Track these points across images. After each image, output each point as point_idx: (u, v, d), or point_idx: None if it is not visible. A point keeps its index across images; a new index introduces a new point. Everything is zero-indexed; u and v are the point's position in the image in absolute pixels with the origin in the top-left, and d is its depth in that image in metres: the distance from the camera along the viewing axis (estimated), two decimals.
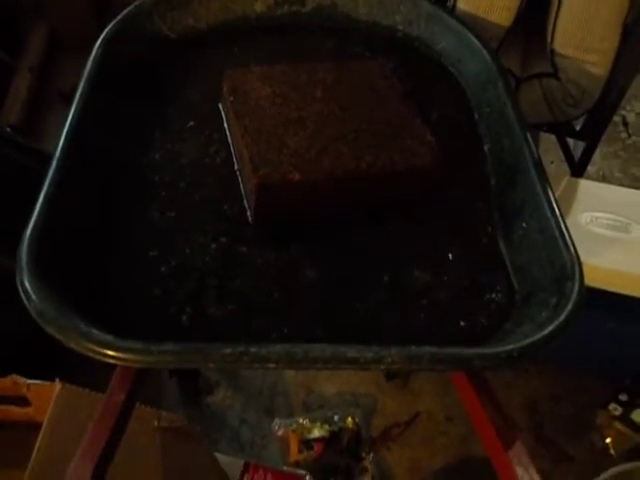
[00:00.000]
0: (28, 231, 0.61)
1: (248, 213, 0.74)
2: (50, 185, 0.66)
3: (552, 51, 1.12)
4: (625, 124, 1.98)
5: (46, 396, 0.90)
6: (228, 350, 0.54)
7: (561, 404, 1.39)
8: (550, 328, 0.59)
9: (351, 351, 0.55)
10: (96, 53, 0.84)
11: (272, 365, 0.55)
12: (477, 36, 0.93)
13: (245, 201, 0.75)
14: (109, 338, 0.55)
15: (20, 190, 0.89)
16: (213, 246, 0.71)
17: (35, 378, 0.96)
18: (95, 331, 0.55)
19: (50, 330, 0.55)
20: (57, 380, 0.90)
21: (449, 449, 1.33)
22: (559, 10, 1.07)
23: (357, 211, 0.75)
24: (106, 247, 0.69)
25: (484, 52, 0.91)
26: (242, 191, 0.76)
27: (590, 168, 1.61)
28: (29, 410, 0.98)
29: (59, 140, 0.72)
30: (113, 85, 0.84)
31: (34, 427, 0.87)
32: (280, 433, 1.32)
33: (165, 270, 0.68)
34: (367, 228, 0.74)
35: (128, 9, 0.92)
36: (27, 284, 0.57)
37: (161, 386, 1.34)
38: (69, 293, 0.60)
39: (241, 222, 0.73)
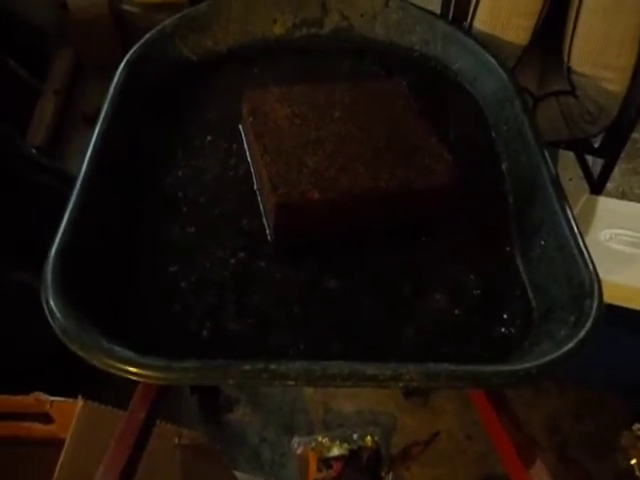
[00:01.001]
0: (53, 250, 0.63)
1: (267, 231, 0.75)
2: (74, 205, 0.68)
3: (569, 69, 1.12)
4: None
5: (69, 413, 0.91)
6: (247, 367, 0.55)
7: (583, 423, 1.37)
8: (569, 346, 0.58)
9: (369, 368, 0.55)
10: (119, 76, 0.86)
11: (291, 382, 0.55)
12: (494, 55, 0.93)
13: (264, 219, 0.76)
14: (131, 355, 0.56)
15: (45, 210, 0.91)
16: (232, 261, 0.72)
17: (57, 393, 0.97)
18: (117, 348, 0.56)
19: (73, 347, 0.56)
20: (79, 397, 0.91)
21: (469, 468, 1.32)
22: (575, 28, 1.08)
23: (375, 229, 0.75)
24: (128, 264, 0.71)
25: (500, 71, 0.91)
26: (261, 209, 0.77)
27: (609, 185, 1.60)
28: (52, 427, 0.99)
29: (83, 161, 0.73)
30: (136, 107, 0.86)
31: (57, 444, 0.88)
32: (299, 451, 1.31)
33: (185, 285, 0.69)
34: (385, 247, 0.75)
35: (150, 33, 0.94)
36: (52, 302, 0.58)
37: (181, 403, 1.35)
38: (92, 310, 0.61)
39: (260, 239, 0.74)
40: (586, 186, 1.42)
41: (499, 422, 0.65)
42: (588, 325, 0.60)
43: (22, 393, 0.96)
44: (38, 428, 1.00)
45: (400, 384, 0.56)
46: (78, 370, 0.74)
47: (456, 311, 0.68)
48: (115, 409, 0.92)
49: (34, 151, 1.33)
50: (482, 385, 0.61)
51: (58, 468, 0.85)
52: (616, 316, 1.08)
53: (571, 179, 1.77)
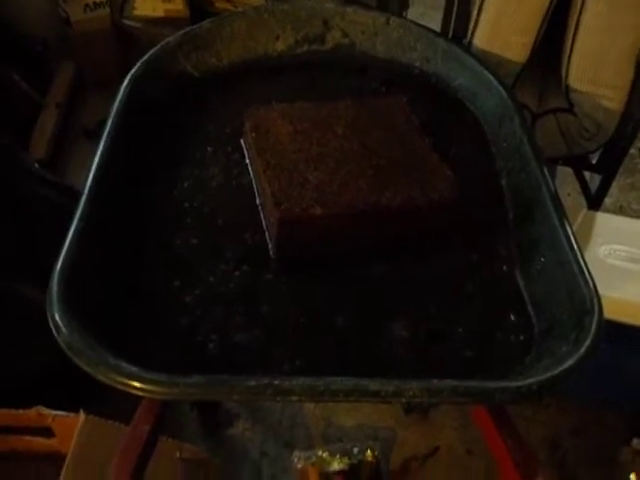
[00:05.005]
0: (58, 266, 0.63)
1: (269, 246, 0.75)
2: (79, 220, 0.68)
3: (567, 87, 1.13)
4: None
5: (70, 427, 0.91)
6: (252, 383, 0.55)
7: (583, 439, 1.37)
8: (570, 362, 0.59)
9: (373, 384, 0.56)
10: (123, 91, 0.87)
11: (295, 398, 0.55)
12: (493, 72, 0.95)
13: (266, 233, 0.76)
14: (136, 370, 0.56)
15: (47, 224, 0.92)
16: (237, 274, 0.72)
17: (57, 408, 0.97)
18: (122, 363, 0.57)
19: (79, 362, 0.57)
20: (81, 411, 0.91)
21: None
22: (573, 47, 1.09)
23: (377, 245, 0.76)
24: (133, 279, 0.71)
25: (500, 88, 0.92)
26: (263, 224, 0.77)
27: (607, 200, 1.61)
28: (53, 441, 0.99)
29: (88, 176, 0.74)
30: (140, 121, 0.87)
31: (58, 459, 0.88)
32: (300, 466, 1.31)
33: (190, 299, 0.69)
34: (387, 262, 0.75)
35: (154, 49, 0.95)
36: (57, 317, 0.59)
37: (181, 418, 1.35)
38: (97, 325, 0.61)
39: (262, 253, 0.75)
40: (584, 201, 1.43)
41: (500, 438, 0.65)
42: (588, 341, 0.61)
43: (24, 407, 0.96)
44: (39, 442, 1.00)
45: (403, 400, 0.56)
46: (79, 385, 0.74)
47: (457, 328, 0.69)
48: (116, 423, 0.93)
49: (36, 165, 1.34)
50: (484, 401, 0.62)
51: None
52: (615, 332, 1.08)
53: (569, 194, 1.78)
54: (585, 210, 1.27)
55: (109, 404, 0.85)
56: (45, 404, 0.96)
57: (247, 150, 0.86)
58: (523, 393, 0.57)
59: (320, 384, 0.56)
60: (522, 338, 0.68)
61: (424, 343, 0.68)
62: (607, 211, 1.54)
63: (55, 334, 0.58)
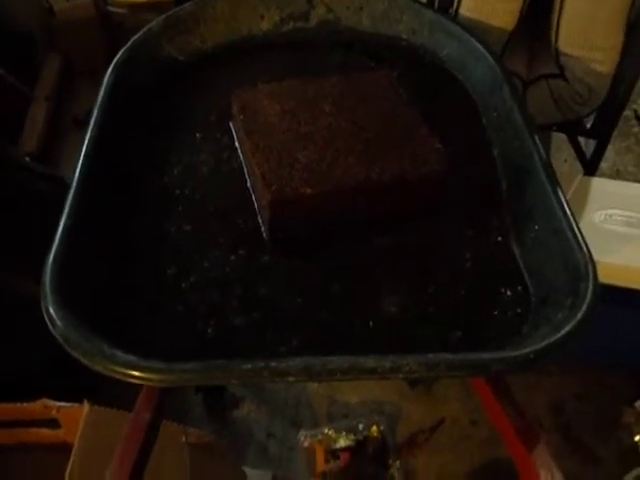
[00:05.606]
0: (50, 258, 0.63)
1: (262, 229, 0.75)
2: (69, 212, 0.68)
3: (557, 51, 1.12)
4: (637, 118, 1.97)
5: (76, 418, 0.92)
6: (248, 366, 0.55)
7: (586, 403, 1.38)
8: (566, 329, 0.59)
9: (369, 361, 0.56)
10: (107, 80, 0.87)
11: (292, 378, 0.55)
12: (481, 41, 0.93)
13: (259, 216, 0.76)
14: (132, 359, 0.56)
15: (41, 217, 0.92)
16: (232, 258, 0.72)
17: (59, 400, 0.97)
18: (119, 353, 0.57)
19: (76, 354, 0.57)
20: (85, 401, 0.92)
21: (475, 453, 1.33)
22: (561, 11, 1.08)
23: (370, 221, 0.76)
24: (126, 268, 0.71)
25: (488, 57, 0.91)
26: (255, 206, 0.77)
27: (604, 164, 1.60)
28: (60, 432, 1.00)
29: (76, 167, 0.73)
30: (126, 109, 0.86)
31: (65, 449, 0.89)
32: (306, 445, 1.32)
33: (186, 286, 0.69)
34: (381, 238, 0.75)
35: (137, 36, 0.94)
36: (52, 310, 0.59)
37: (187, 402, 1.36)
38: (93, 317, 0.61)
39: (256, 236, 0.74)
40: (581, 167, 1.42)
41: (500, 407, 0.66)
42: (584, 308, 0.60)
43: (27, 400, 0.97)
44: (46, 434, 1.01)
45: (400, 375, 0.56)
46: (79, 376, 0.74)
47: (454, 300, 0.69)
48: (121, 411, 0.93)
49: (27, 159, 1.33)
50: (481, 372, 0.62)
51: (68, 472, 0.86)
52: (613, 296, 1.08)
53: (566, 160, 1.77)
54: (581, 176, 1.27)
55: (111, 393, 0.86)
56: (47, 396, 0.96)
57: (236, 132, 0.85)
58: (520, 362, 0.57)
59: (316, 364, 0.55)
60: (519, 311, 0.68)
61: (422, 317, 0.68)
62: (604, 175, 1.53)
63: (50, 327, 0.58)
